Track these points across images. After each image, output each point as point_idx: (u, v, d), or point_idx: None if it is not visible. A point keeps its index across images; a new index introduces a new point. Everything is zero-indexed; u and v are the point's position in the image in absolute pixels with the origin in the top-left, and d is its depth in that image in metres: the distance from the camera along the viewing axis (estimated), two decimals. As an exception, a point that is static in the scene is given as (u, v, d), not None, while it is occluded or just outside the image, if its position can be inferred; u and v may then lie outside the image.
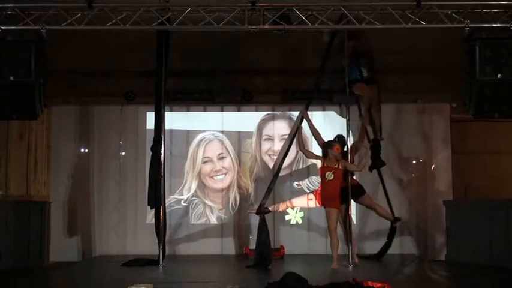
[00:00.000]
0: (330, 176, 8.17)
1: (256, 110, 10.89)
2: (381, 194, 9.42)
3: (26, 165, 10.06)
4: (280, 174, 9.01)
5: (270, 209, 8.74)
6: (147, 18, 7.34)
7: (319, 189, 8.58)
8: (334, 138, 8.54)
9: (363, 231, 10.33)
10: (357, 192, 8.62)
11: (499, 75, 6.99)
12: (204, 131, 10.84)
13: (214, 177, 10.72)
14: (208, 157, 10.75)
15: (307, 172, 10.55)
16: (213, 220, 10.62)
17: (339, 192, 8.16)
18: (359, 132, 9.02)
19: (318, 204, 8.60)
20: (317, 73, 8.85)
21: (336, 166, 8.18)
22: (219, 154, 10.77)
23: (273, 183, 8.74)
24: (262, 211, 8.43)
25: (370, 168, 9.07)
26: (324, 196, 8.24)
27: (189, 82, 10.50)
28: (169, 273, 7.92)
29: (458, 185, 10.60)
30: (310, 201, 8.71)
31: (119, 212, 10.57)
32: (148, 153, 9.29)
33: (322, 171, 8.28)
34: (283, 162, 8.97)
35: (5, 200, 9.33)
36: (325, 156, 8.25)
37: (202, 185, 10.70)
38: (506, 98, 7.11)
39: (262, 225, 8.36)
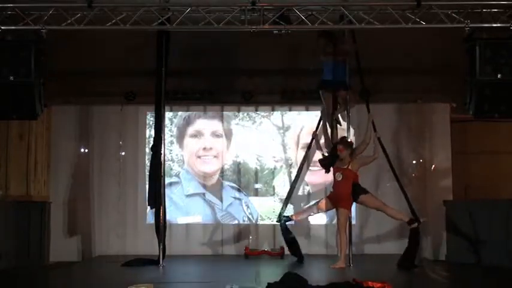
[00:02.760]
0: (338, 176, 8.20)
1: (256, 110, 10.89)
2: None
3: (26, 165, 10.07)
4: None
5: (290, 217, 8.79)
6: (147, 18, 7.34)
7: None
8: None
9: (363, 232, 10.33)
10: (356, 192, 8.50)
11: (499, 75, 6.99)
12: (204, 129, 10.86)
13: (213, 176, 10.73)
14: (207, 155, 10.75)
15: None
16: (214, 220, 10.62)
17: (348, 193, 8.17)
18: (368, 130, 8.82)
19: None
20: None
21: (346, 167, 8.17)
22: (218, 153, 10.78)
23: (289, 194, 8.98)
24: (281, 220, 8.69)
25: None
26: (334, 196, 8.25)
27: (189, 82, 10.51)
28: (169, 273, 7.92)
29: (458, 185, 10.59)
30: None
31: (119, 212, 10.56)
32: (148, 153, 9.28)
33: (333, 172, 8.31)
34: (300, 172, 9.07)
35: (5, 200, 9.34)
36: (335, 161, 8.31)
37: (201, 185, 10.70)
38: (506, 98, 7.11)
39: (285, 232, 8.72)
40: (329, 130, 8.75)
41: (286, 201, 8.90)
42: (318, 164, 8.67)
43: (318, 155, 10.02)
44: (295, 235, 9.07)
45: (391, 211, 8.36)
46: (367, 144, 8.36)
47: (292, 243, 8.89)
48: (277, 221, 8.92)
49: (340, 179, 8.18)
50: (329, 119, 8.75)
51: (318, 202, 8.67)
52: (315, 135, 8.90)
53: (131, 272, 8.02)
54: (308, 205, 9.52)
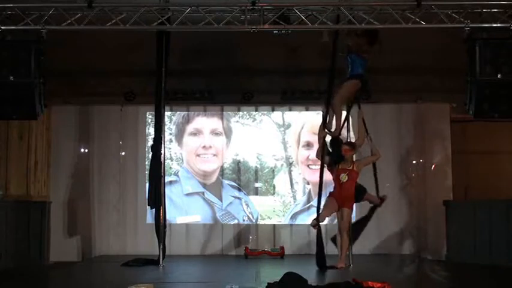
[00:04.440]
0: (344, 177, 8.19)
1: (256, 110, 10.89)
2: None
3: (26, 165, 10.08)
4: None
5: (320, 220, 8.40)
6: (147, 18, 7.34)
7: (334, 190, 8.40)
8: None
9: (363, 232, 10.30)
10: (360, 193, 8.49)
11: (499, 75, 6.99)
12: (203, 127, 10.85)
13: (213, 175, 10.72)
14: (206, 154, 10.75)
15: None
16: (213, 219, 10.62)
17: (352, 193, 8.20)
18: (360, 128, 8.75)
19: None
20: (329, 73, 8.71)
21: (351, 168, 8.19)
22: (218, 151, 10.78)
23: (320, 197, 8.50)
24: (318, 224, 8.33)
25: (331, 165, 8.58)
26: (339, 197, 8.24)
27: (189, 82, 10.51)
28: (169, 273, 7.92)
29: (458, 185, 10.60)
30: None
31: (118, 212, 10.58)
32: (148, 153, 9.27)
33: (337, 173, 8.25)
34: (322, 173, 8.50)
35: (5, 200, 9.34)
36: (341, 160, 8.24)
37: (201, 184, 10.70)
38: (506, 98, 7.11)
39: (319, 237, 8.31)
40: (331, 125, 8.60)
41: (319, 206, 8.40)
42: (319, 163, 8.59)
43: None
44: (296, 235, 9.04)
45: (370, 197, 8.63)
46: (363, 140, 8.41)
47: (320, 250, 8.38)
48: (313, 226, 8.42)
49: (345, 180, 8.19)
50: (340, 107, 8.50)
51: (329, 203, 8.41)
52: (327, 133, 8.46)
53: (131, 272, 8.02)
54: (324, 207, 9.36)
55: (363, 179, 8.58)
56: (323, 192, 9.69)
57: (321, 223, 8.38)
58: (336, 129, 8.37)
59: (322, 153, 8.44)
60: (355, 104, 8.62)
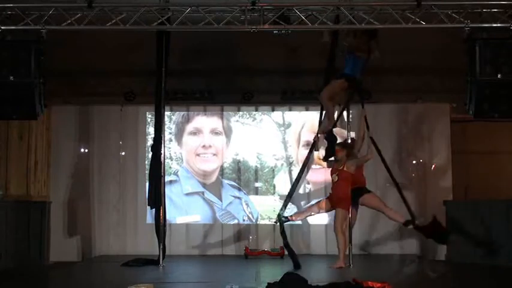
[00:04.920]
0: (335, 178, 8.23)
1: (256, 110, 10.89)
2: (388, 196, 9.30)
3: (26, 165, 10.08)
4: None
5: (289, 218, 8.48)
6: (147, 18, 7.34)
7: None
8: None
9: (363, 232, 10.31)
10: (356, 193, 8.41)
11: (499, 75, 6.99)
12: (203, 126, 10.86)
13: (213, 175, 10.72)
14: (206, 153, 10.75)
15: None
16: (213, 219, 10.62)
17: (345, 193, 8.16)
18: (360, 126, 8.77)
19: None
20: (326, 73, 8.71)
21: (341, 168, 8.20)
22: (218, 151, 10.77)
23: (290, 194, 8.58)
24: (281, 221, 8.34)
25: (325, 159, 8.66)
26: (332, 197, 8.27)
27: (189, 82, 10.51)
28: (169, 273, 7.92)
29: (458, 185, 10.61)
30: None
31: (119, 212, 10.58)
32: (148, 153, 9.25)
33: (330, 174, 8.36)
34: (302, 173, 8.68)
35: (5, 200, 9.35)
36: (334, 160, 8.32)
37: (201, 183, 10.70)
38: (506, 98, 7.11)
39: (282, 234, 8.34)
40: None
41: (286, 202, 8.55)
42: (319, 163, 8.67)
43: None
44: (295, 235, 9.05)
45: (389, 212, 8.37)
46: (362, 140, 8.40)
47: (286, 247, 8.47)
48: (275, 222, 8.72)
49: (336, 180, 8.21)
50: (327, 103, 8.50)
51: (317, 202, 8.63)
52: (317, 139, 8.67)
53: (131, 272, 8.02)
54: (308, 205, 9.50)
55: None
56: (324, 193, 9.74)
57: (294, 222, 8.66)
58: (329, 123, 8.40)
59: (308, 153, 8.58)
60: (355, 104, 8.65)
